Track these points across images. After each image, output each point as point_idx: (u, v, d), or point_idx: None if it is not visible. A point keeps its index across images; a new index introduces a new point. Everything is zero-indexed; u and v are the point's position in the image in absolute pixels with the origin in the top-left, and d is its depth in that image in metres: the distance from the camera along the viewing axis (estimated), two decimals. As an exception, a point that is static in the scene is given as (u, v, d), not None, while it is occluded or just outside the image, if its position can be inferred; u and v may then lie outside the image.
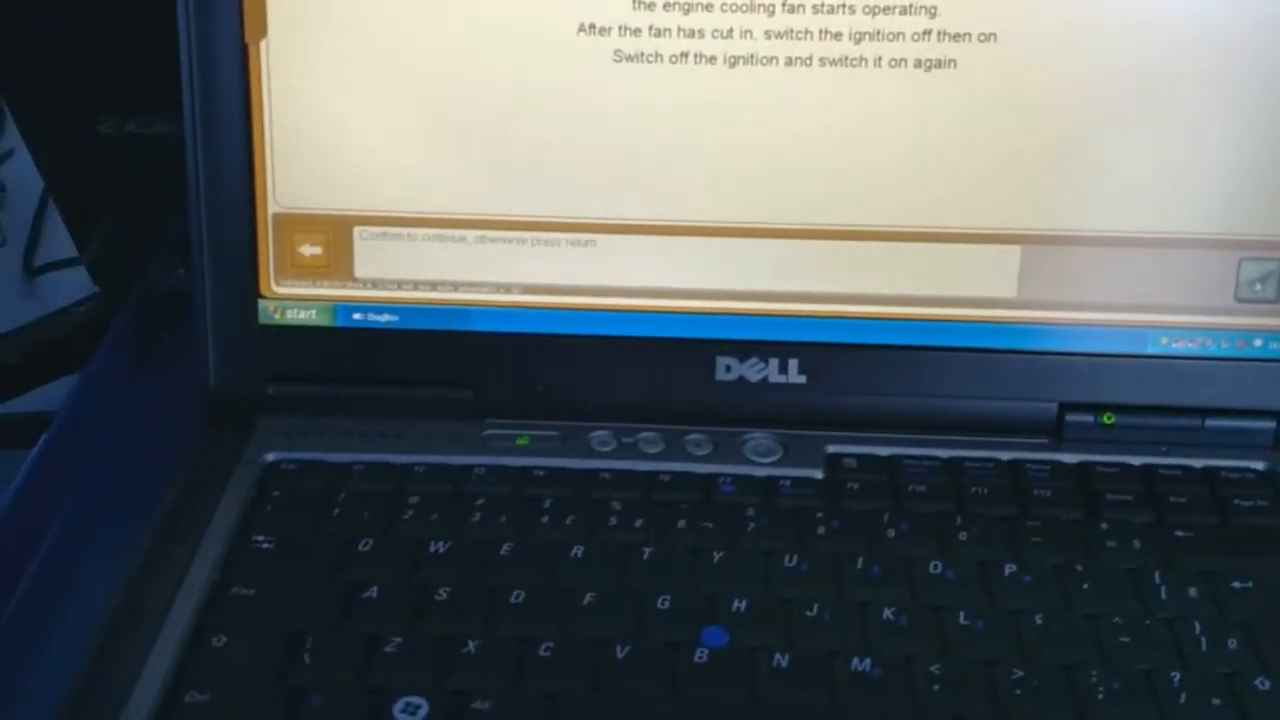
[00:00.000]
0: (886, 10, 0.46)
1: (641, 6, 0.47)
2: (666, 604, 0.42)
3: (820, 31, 0.46)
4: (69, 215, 0.68)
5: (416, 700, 0.39)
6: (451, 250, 0.49)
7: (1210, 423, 0.49)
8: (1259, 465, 0.48)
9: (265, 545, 0.45)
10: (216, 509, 0.46)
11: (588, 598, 0.42)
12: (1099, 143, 0.47)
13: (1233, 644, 0.41)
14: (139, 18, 0.53)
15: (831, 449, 0.49)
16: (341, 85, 0.48)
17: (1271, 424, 0.49)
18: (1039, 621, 0.42)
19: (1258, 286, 0.48)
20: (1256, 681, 0.40)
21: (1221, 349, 0.49)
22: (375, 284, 0.50)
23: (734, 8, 0.46)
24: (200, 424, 0.50)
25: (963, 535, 0.45)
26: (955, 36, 0.46)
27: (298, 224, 0.49)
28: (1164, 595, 0.43)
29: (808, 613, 0.42)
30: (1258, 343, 0.49)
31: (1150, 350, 0.49)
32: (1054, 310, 0.49)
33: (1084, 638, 0.41)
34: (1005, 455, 0.48)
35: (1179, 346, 0.49)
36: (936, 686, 0.40)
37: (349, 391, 0.50)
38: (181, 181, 0.49)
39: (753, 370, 0.50)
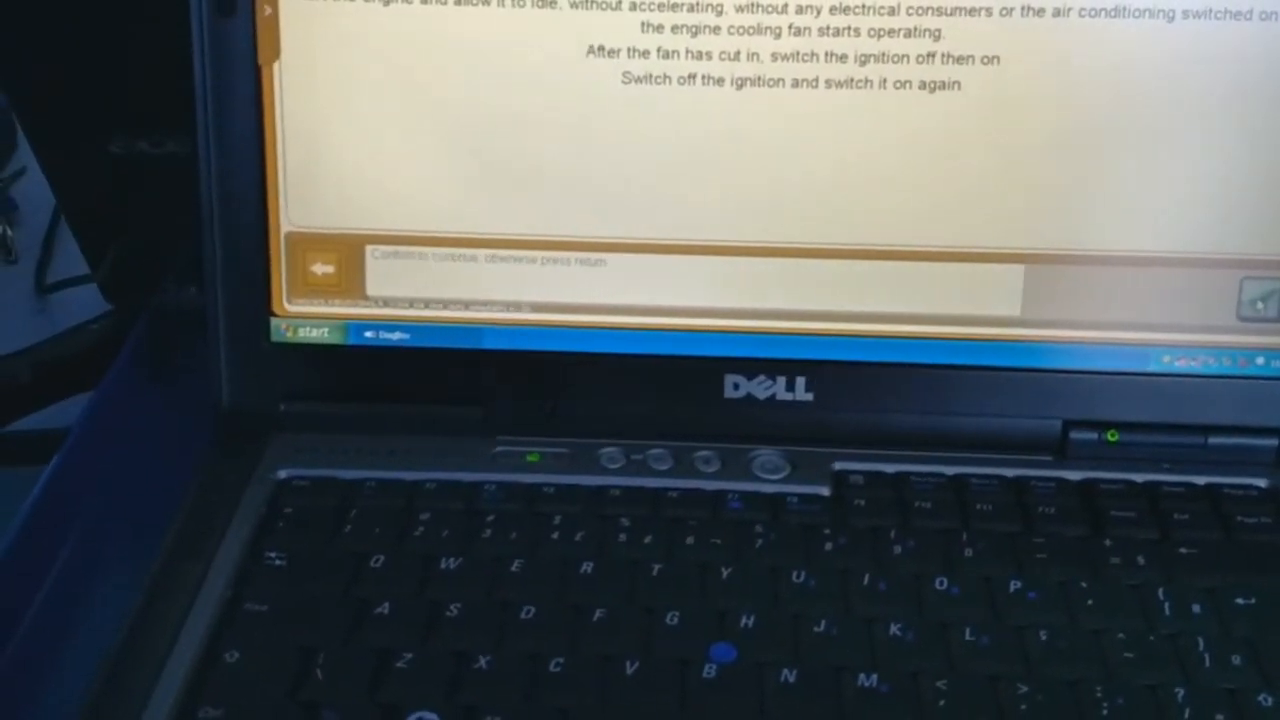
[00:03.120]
0: (891, 33, 0.47)
1: (650, 29, 0.47)
2: (675, 620, 0.43)
3: (826, 54, 0.47)
4: (81, 233, 0.68)
5: (428, 715, 0.40)
6: (462, 269, 0.50)
7: (1213, 440, 0.49)
8: (1261, 482, 0.48)
9: (278, 561, 0.45)
10: (229, 525, 0.47)
11: (597, 614, 0.43)
12: (1101, 164, 0.47)
13: (1236, 660, 0.41)
14: (152, 37, 0.54)
15: (838, 466, 0.49)
16: (353, 107, 0.48)
17: (1274, 441, 0.49)
18: (1043, 637, 0.42)
19: (1260, 305, 0.49)
20: (1260, 697, 0.40)
21: (1224, 367, 0.49)
22: (387, 302, 0.50)
23: (741, 30, 0.47)
24: (213, 441, 0.50)
25: (968, 552, 0.45)
26: (959, 59, 0.47)
27: (310, 243, 0.50)
28: (1168, 611, 0.43)
29: (815, 629, 0.42)
30: (1260, 361, 0.49)
31: (1153, 368, 0.49)
32: (1058, 329, 0.49)
33: (1088, 653, 0.42)
34: (1010, 472, 0.49)
35: (1182, 365, 0.49)
36: (942, 702, 0.40)
37: (361, 409, 0.50)
38: (193, 200, 0.50)
39: (761, 388, 0.50)
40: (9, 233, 0.79)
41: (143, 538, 0.47)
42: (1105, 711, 0.40)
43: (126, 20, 0.59)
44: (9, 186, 0.82)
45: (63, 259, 0.77)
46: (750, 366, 0.50)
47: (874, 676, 0.41)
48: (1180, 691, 0.40)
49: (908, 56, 0.47)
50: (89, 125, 0.63)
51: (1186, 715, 0.40)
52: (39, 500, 0.51)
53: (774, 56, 0.47)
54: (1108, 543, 0.46)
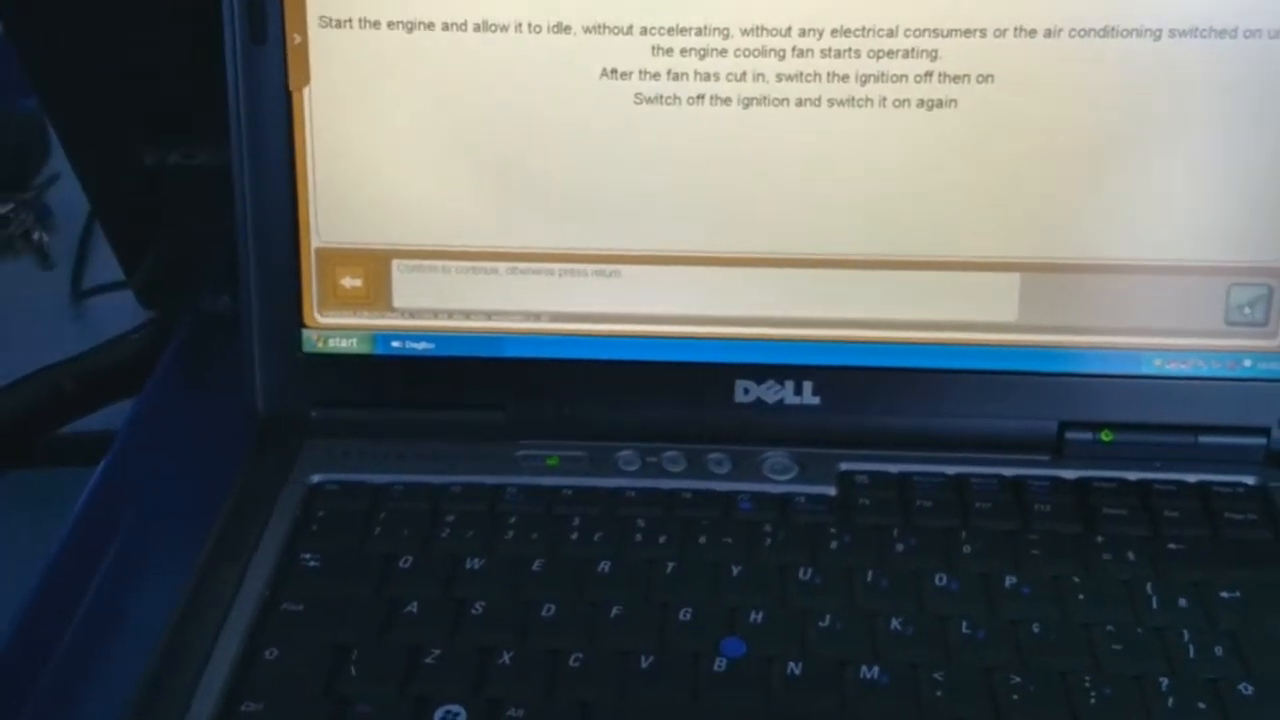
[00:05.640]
0: (890, 54, 0.49)
1: (660, 52, 0.49)
2: (688, 616, 0.45)
3: (829, 74, 0.49)
4: (116, 241, 0.70)
5: (455, 708, 0.42)
6: (484, 281, 0.52)
7: (1203, 439, 0.51)
8: (1249, 480, 0.50)
9: (312, 563, 0.47)
10: (266, 528, 0.49)
11: (614, 610, 0.45)
12: (1093, 176, 0.49)
13: (1219, 651, 0.43)
14: (185, 52, 0.56)
15: (844, 466, 0.51)
16: (380, 128, 0.50)
17: (1261, 440, 0.51)
18: (1037, 630, 0.44)
19: (1247, 310, 0.50)
20: (1240, 686, 0.42)
21: (1213, 369, 0.51)
22: (413, 314, 0.52)
23: (747, 52, 0.49)
24: (249, 445, 0.52)
25: (967, 549, 0.47)
26: (955, 78, 0.49)
27: (339, 258, 0.52)
28: (1155, 605, 0.45)
29: (820, 623, 0.45)
30: (1247, 363, 0.51)
31: (1146, 371, 0.51)
32: (1054, 334, 0.51)
33: (1079, 645, 0.44)
34: (1008, 472, 0.51)
35: (1173, 367, 0.51)
36: (940, 693, 0.42)
37: (388, 415, 0.52)
38: (223, 211, 0.52)
39: (769, 392, 0.52)
40: (44, 239, 0.80)
41: (185, 538, 0.49)
42: (1093, 700, 0.42)
43: (160, 34, 0.61)
44: (43, 193, 0.84)
45: (98, 265, 0.78)
46: (759, 372, 0.52)
47: (875, 668, 0.43)
48: (1165, 681, 0.42)
49: (906, 76, 0.49)
50: (123, 137, 0.65)
51: (1170, 704, 0.42)
52: (89, 501, 0.53)
53: (779, 77, 0.49)
54: (1100, 539, 0.48)
